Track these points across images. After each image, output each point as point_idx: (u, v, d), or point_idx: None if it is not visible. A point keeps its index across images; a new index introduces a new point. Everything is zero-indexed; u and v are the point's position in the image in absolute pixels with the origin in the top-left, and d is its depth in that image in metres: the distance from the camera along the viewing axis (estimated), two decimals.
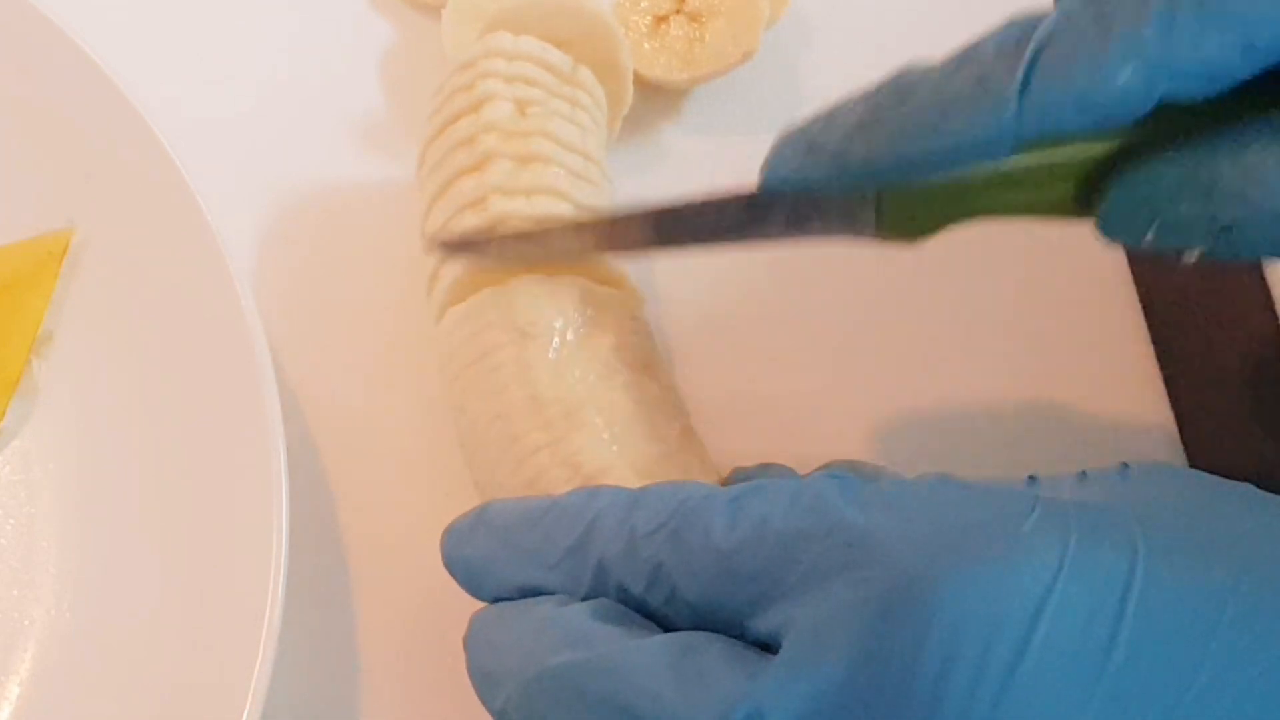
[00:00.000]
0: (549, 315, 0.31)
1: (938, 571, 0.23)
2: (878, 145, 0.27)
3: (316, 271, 0.38)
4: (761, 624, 0.25)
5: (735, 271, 0.38)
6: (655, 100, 0.41)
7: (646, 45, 0.40)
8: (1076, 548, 0.23)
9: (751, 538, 0.25)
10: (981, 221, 0.29)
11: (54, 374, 0.35)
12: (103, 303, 0.35)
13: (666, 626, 0.26)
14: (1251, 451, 0.35)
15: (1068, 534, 0.23)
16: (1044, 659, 0.22)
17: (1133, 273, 0.38)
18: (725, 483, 0.32)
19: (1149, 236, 0.27)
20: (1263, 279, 0.37)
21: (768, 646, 0.25)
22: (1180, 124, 0.26)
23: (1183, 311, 0.37)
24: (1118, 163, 0.27)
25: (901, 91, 0.27)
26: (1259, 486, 0.26)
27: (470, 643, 0.28)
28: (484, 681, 0.27)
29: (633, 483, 0.29)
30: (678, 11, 0.40)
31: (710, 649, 0.25)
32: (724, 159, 0.40)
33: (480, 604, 0.29)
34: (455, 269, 0.33)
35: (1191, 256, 0.27)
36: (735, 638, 0.25)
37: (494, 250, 0.33)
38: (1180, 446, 0.36)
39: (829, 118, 0.28)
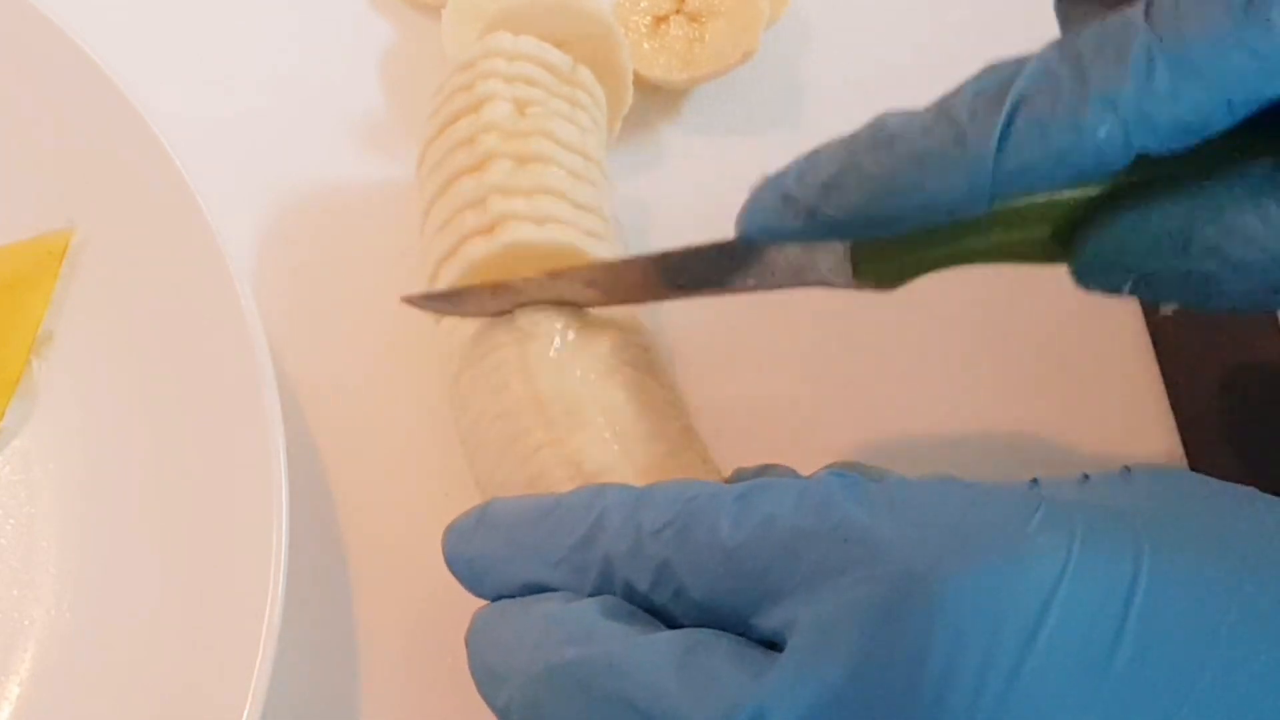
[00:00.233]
0: (550, 314, 0.31)
1: (942, 571, 0.23)
2: (851, 201, 0.27)
3: (316, 271, 0.38)
4: (766, 622, 0.25)
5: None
6: (655, 100, 0.41)
7: (646, 45, 0.40)
8: (1081, 547, 0.23)
9: (757, 536, 0.25)
10: (959, 267, 0.29)
11: (54, 374, 0.35)
12: (103, 303, 0.35)
13: (671, 624, 0.26)
14: (1253, 457, 0.35)
15: (1072, 534, 0.23)
16: (1049, 659, 0.22)
17: None
18: (727, 483, 0.32)
19: (1126, 289, 0.27)
20: None
21: (773, 644, 0.25)
22: (1158, 172, 0.26)
23: (1185, 316, 0.37)
24: (1094, 212, 0.27)
25: (877, 144, 0.27)
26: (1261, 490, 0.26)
27: (473, 639, 0.28)
28: (487, 678, 0.27)
29: (634, 481, 0.29)
30: (677, 12, 0.40)
31: (717, 647, 0.25)
32: (724, 159, 0.40)
33: (481, 603, 0.29)
34: (456, 273, 0.33)
35: (1169, 309, 0.28)
36: (740, 635, 0.25)
37: (470, 303, 0.33)
38: (1182, 452, 0.36)
39: (804, 168, 0.28)
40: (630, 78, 0.38)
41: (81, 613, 0.33)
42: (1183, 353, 0.37)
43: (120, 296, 0.35)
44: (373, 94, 0.41)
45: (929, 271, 0.30)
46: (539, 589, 0.28)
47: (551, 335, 0.31)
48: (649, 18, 0.40)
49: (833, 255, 0.30)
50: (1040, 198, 0.27)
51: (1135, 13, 0.25)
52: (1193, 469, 0.36)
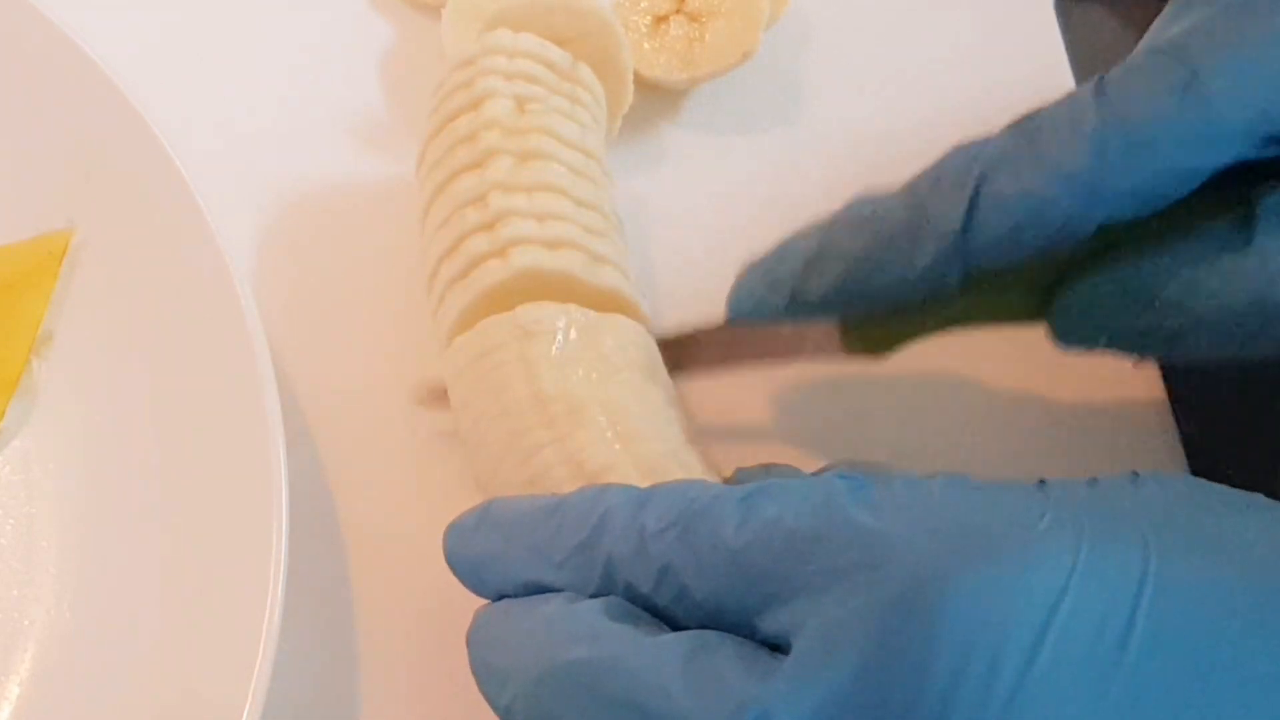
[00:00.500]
0: (552, 313, 0.31)
1: (949, 573, 0.23)
2: (831, 280, 0.29)
3: (316, 271, 0.38)
4: (771, 624, 0.25)
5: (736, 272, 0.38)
6: (655, 100, 0.41)
7: (646, 45, 0.40)
8: (1089, 549, 0.23)
9: (761, 537, 0.25)
10: (946, 334, 0.31)
11: (54, 374, 0.35)
12: (103, 303, 0.35)
13: (674, 625, 0.26)
14: (1257, 462, 0.35)
15: (1080, 535, 0.23)
16: (1057, 661, 0.22)
17: None
18: (728, 483, 0.32)
19: (1101, 345, 0.29)
20: None
21: (777, 646, 0.25)
22: (1125, 235, 0.27)
23: None
24: (1066, 275, 0.29)
25: (853, 225, 0.29)
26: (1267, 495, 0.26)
27: (474, 639, 0.28)
28: (489, 678, 0.27)
29: (636, 481, 0.29)
30: (678, 11, 0.40)
31: (722, 649, 0.25)
32: (724, 159, 0.41)
33: (482, 602, 0.29)
34: (461, 301, 0.33)
35: (1145, 362, 0.29)
36: (744, 637, 0.25)
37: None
38: (1183, 457, 0.36)
39: (785, 250, 0.30)
40: (630, 76, 0.38)
41: (81, 613, 0.33)
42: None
43: (120, 296, 0.35)
44: (373, 93, 0.41)
45: (916, 338, 0.31)
46: (541, 589, 0.27)
47: (553, 334, 0.31)
48: (649, 17, 0.40)
49: (822, 329, 0.32)
50: (1015, 265, 0.28)
51: (1085, 90, 0.27)
52: (1195, 475, 0.36)
